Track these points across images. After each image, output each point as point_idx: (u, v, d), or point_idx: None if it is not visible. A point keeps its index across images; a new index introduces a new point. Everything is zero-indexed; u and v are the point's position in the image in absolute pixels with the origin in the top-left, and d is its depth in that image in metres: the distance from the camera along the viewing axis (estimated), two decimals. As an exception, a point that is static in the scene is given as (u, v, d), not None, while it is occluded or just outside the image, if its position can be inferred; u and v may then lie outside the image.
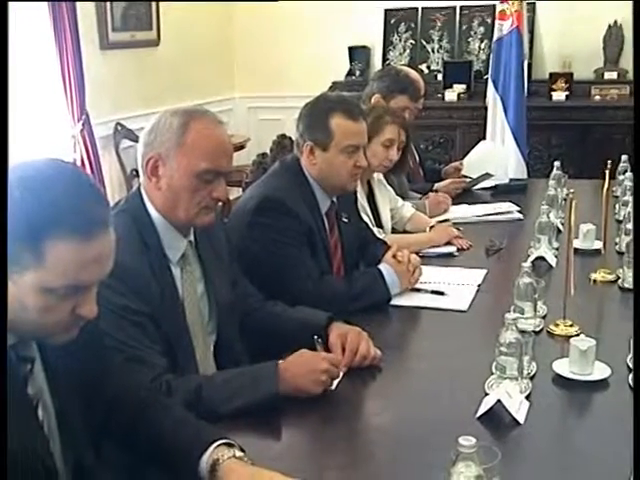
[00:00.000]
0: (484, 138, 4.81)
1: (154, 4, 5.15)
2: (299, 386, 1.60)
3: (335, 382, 1.68)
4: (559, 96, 5.21)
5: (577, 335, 1.83)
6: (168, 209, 1.71)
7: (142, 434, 1.38)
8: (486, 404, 1.53)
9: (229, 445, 1.32)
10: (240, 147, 5.03)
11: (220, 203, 1.76)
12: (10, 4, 3.80)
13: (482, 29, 5.59)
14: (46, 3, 4.05)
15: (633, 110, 3.29)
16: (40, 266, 1.09)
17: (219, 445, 1.31)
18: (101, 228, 1.13)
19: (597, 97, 5.19)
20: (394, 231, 2.91)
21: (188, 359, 1.73)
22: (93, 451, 1.31)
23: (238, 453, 1.31)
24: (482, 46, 5.59)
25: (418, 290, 2.28)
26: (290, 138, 2.75)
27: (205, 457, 1.30)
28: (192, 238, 1.80)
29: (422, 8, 5.71)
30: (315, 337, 1.79)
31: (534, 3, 5.37)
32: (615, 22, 5.23)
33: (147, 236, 1.69)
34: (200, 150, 1.66)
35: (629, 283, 2.24)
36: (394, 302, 2.22)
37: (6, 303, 1.11)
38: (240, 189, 3.57)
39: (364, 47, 5.82)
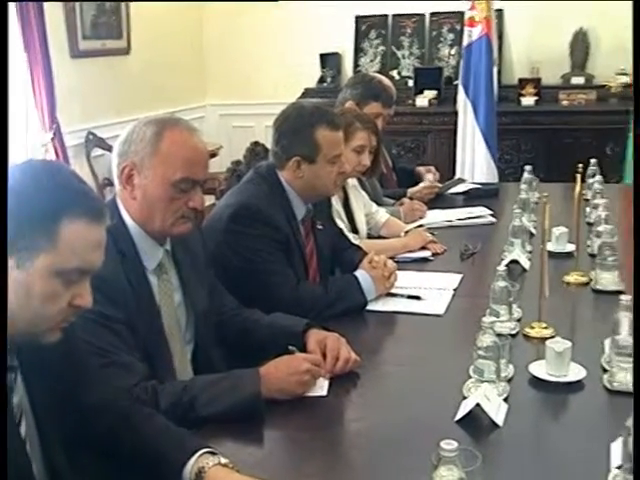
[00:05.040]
0: (455, 143, 4.86)
1: (124, 13, 5.12)
2: (282, 388, 1.61)
3: (325, 387, 1.70)
4: (528, 101, 5.27)
5: (552, 337, 1.85)
6: (144, 218, 1.70)
7: (124, 442, 1.37)
8: (465, 407, 1.54)
9: (212, 453, 1.32)
10: (213, 155, 5.01)
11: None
12: None
13: (452, 35, 5.65)
14: (14, 11, 4.01)
15: (633, 111, 3.33)
16: (53, 248, 1.14)
17: (203, 453, 1.31)
18: (104, 214, 1.23)
19: (565, 102, 5.26)
20: (369, 236, 2.92)
21: (166, 367, 1.72)
22: (67, 459, 1.30)
23: (223, 460, 1.31)
24: (452, 52, 5.64)
25: (394, 295, 2.29)
26: (263, 145, 2.74)
27: (189, 466, 1.30)
28: (169, 247, 1.79)
29: (392, 15, 5.75)
30: (289, 347, 1.79)
31: (502, 10, 5.43)
32: (580, 29, 5.31)
33: (123, 245, 1.68)
34: (175, 159, 1.66)
35: (602, 285, 2.26)
36: (370, 307, 2.22)
37: (6, 303, 1.12)
38: (213, 197, 3.56)
39: (335, 54, 5.85)
